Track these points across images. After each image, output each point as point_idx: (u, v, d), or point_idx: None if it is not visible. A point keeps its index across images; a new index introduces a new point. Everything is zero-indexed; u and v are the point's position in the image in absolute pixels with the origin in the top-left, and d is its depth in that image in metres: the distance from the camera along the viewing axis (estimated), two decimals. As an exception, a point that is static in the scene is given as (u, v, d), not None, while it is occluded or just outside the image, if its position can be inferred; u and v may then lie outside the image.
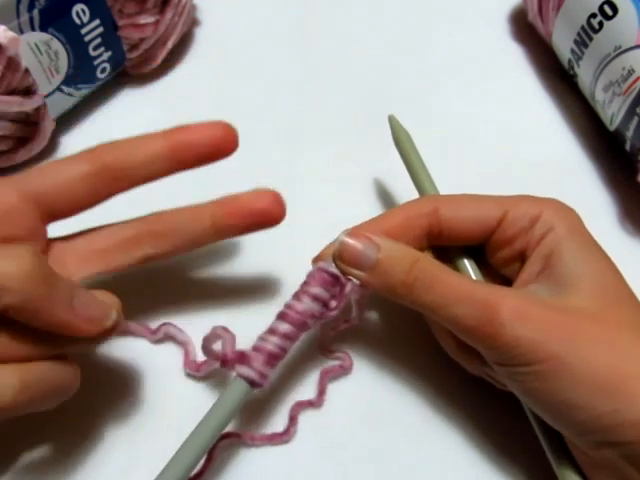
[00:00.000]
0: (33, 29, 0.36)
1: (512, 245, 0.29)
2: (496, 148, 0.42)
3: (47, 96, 0.38)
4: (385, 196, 0.40)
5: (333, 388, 0.33)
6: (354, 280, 0.29)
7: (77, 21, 0.37)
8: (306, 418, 0.32)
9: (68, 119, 0.42)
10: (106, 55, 0.40)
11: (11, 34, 0.34)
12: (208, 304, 0.35)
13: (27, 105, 0.37)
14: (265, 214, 0.31)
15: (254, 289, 0.36)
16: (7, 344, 0.25)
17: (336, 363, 0.33)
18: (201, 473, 0.29)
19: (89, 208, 0.30)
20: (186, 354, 0.33)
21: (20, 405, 0.24)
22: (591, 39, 0.39)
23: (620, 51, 0.37)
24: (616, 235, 0.38)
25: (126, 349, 0.33)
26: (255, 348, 0.29)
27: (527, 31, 0.47)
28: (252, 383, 0.28)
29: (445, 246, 0.31)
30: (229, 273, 0.36)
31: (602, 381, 0.24)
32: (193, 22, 0.47)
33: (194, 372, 0.33)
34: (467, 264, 0.31)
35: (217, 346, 0.29)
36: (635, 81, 0.36)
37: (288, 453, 0.31)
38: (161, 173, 0.30)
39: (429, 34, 0.47)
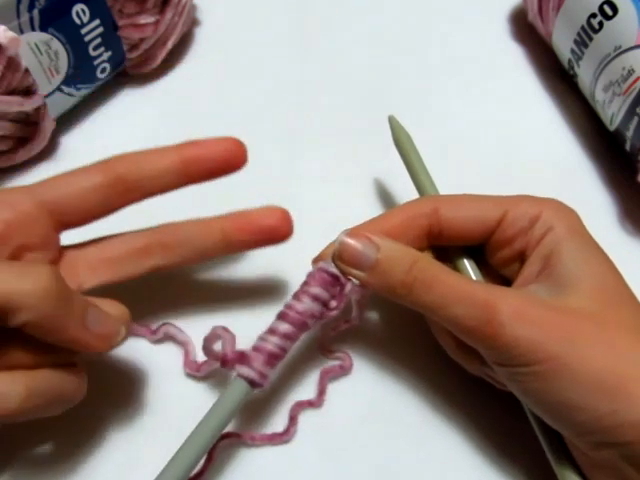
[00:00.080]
0: (33, 29, 0.36)
1: (512, 245, 0.29)
2: (496, 148, 0.42)
3: (47, 96, 0.38)
4: (385, 196, 0.40)
5: (333, 388, 0.33)
6: (354, 280, 0.29)
7: (77, 21, 0.38)
8: (306, 418, 0.32)
9: (68, 119, 0.42)
10: (106, 55, 0.40)
11: (11, 34, 0.34)
12: (208, 304, 0.35)
13: (27, 105, 0.37)
14: (273, 231, 0.31)
15: (254, 289, 0.36)
16: (14, 352, 0.25)
17: (336, 363, 0.33)
18: (201, 473, 0.29)
19: (101, 218, 0.31)
20: (186, 354, 0.33)
21: (25, 412, 0.25)
22: (591, 39, 0.39)
23: (620, 51, 0.37)
24: (616, 235, 0.38)
25: (126, 349, 0.33)
26: (255, 348, 0.29)
27: (527, 31, 0.47)
28: (252, 383, 0.28)
29: (445, 246, 0.31)
30: (229, 273, 0.36)
31: (602, 382, 0.24)
32: (193, 22, 0.47)
33: (194, 372, 0.33)
34: (467, 264, 0.31)
35: (217, 346, 0.29)
36: (635, 81, 0.36)
37: (288, 453, 0.31)
38: (171, 186, 0.31)
39: (429, 34, 0.47)
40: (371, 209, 0.39)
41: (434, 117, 0.43)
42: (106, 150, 0.41)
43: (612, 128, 0.39)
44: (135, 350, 0.33)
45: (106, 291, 0.30)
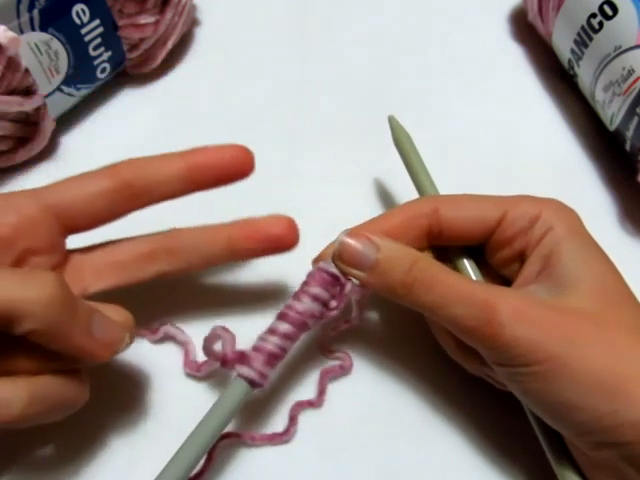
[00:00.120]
0: (33, 29, 0.36)
1: (512, 245, 0.29)
2: (496, 148, 0.42)
3: (47, 96, 0.38)
4: (385, 196, 0.40)
5: (333, 388, 0.33)
6: (354, 280, 0.29)
7: (77, 21, 0.38)
8: (306, 418, 0.32)
9: (68, 119, 0.42)
10: (106, 55, 0.40)
11: (11, 34, 0.34)
12: (208, 303, 0.35)
13: (27, 105, 0.37)
14: (280, 240, 0.31)
15: (254, 289, 0.36)
16: (17, 358, 0.25)
17: (336, 363, 0.33)
18: (201, 473, 0.29)
19: (107, 223, 0.31)
20: (186, 354, 0.33)
21: (27, 418, 0.25)
22: (591, 39, 0.39)
23: (620, 51, 0.37)
24: (616, 235, 0.38)
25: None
26: (255, 348, 0.29)
27: (527, 31, 0.47)
28: (252, 383, 0.28)
29: (445, 246, 0.31)
30: (229, 273, 0.36)
31: (602, 382, 0.24)
32: (193, 22, 0.47)
33: (194, 372, 0.33)
34: (467, 264, 0.31)
35: (217, 346, 0.29)
36: (635, 81, 0.36)
37: (288, 453, 0.31)
38: (178, 193, 0.31)
39: (429, 34, 0.47)
40: (371, 209, 0.39)
41: (434, 117, 0.43)
42: (106, 150, 0.41)
43: (612, 128, 0.39)
44: (135, 350, 0.33)
45: (106, 293, 0.30)
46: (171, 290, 0.35)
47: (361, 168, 0.40)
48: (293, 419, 0.32)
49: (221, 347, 0.29)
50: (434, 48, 0.47)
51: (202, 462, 0.29)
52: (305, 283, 0.30)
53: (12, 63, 0.35)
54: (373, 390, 0.33)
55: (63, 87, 0.39)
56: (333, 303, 0.30)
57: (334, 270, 0.29)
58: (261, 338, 0.29)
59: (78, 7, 0.37)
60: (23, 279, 0.24)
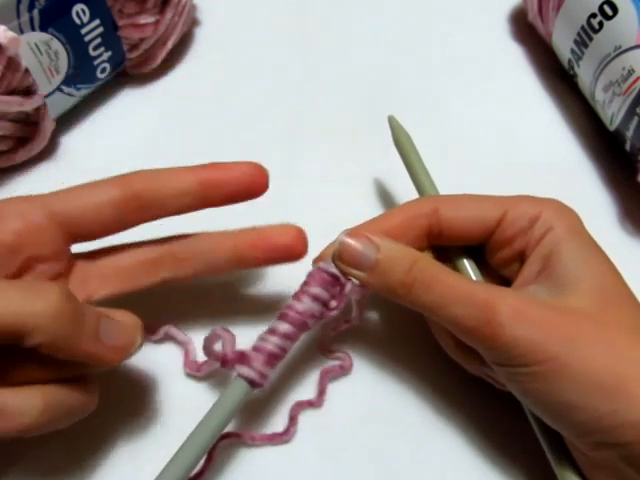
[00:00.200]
0: (33, 29, 0.36)
1: (512, 245, 0.29)
2: (496, 148, 0.42)
3: (47, 96, 0.38)
4: (385, 196, 0.40)
5: (333, 388, 0.33)
6: (354, 280, 0.29)
7: (77, 21, 0.38)
8: (306, 418, 0.32)
9: (68, 119, 0.42)
10: (106, 55, 0.40)
11: (11, 34, 0.34)
12: (208, 304, 0.35)
13: (27, 105, 0.37)
14: (288, 250, 0.31)
15: (254, 289, 0.36)
16: (30, 367, 0.25)
17: (336, 363, 0.33)
18: (201, 473, 0.29)
19: (114, 233, 0.30)
20: (186, 354, 0.33)
21: (41, 425, 0.25)
22: (591, 39, 0.39)
23: (620, 51, 0.37)
24: (616, 235, 0.38)
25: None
26: (255, 348, 0.29)
27: (527, 31, 0.47)
28: (252, 383, 0.28)
29: (445, 246, 0.31)
30: (229, 273, 0.36)
31: (601, 382, 0.24)
32: (193, 22, 0.47)
33: (194, 372, 0.33)
34: (467, 264, 0.31)
35: (217, 346, 0.29)
36: (635, 81, 0.36)
37: (288, 453, 0.31)
38: (188, 208, 0.30)
39: (429, 34, 0.47)
40: (371, 209, 0.39)
41: (434, 117, 0.43)
42: (106, 150, 0.41)
43: (612, 128, 0.39)
44: (135, 350, 0.33)
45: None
46: (171, 290, 0.35)
47: (361, 168, 0.40)
48: (293, 419, 0.32)
49: (221, 347, 0.29)
50: (434, 48, 0.47)
51: (202, 462, 0.29)
52: (305, 283, 0.30)
53: (12, 63, 0.35)
54: (373, 390, 0.33)
55: (63, 87, 0.39)
56: (333, 303, 0.30)
57: (334, 270, 0.29)
58: (261, 338, 0.29)
59: (78, 7, 0.37)
60: (28, 293, 0.24)
